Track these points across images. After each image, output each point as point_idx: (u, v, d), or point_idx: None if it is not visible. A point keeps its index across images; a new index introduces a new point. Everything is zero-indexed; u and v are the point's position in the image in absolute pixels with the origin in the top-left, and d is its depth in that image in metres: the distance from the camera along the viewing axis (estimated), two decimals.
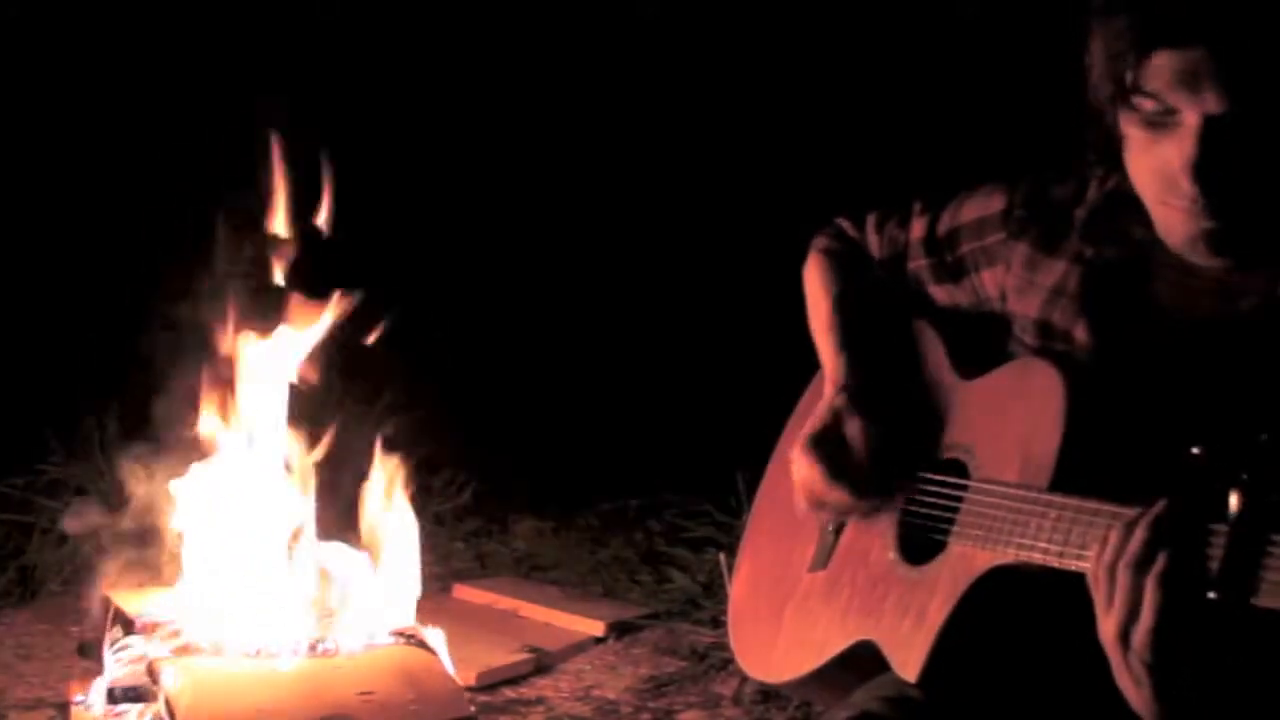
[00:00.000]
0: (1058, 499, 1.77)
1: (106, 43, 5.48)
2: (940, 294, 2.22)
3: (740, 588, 2.38)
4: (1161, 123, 1.76)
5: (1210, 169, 1.73)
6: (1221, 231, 1.79)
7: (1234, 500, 1.56)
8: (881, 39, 5.57)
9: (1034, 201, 2.08)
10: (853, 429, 2.13)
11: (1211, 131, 1.72)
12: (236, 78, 5.29)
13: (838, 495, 2.12)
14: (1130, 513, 1.66)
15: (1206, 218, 1.78)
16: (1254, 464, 1.58)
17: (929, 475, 2.04)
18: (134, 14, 5.47)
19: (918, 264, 2.23)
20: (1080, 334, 1.97)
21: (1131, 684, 1.64)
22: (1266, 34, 1.69)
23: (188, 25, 5.49)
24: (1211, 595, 1.56)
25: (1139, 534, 1.62)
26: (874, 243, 2.30)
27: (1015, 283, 2.08)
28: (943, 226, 2.20)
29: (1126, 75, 1.76)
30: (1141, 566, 1.61)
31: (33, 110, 5.41)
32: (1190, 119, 1.73)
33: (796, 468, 2.17)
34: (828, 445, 2.14)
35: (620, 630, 3.99)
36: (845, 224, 2.35)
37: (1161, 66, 1.73)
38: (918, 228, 2.23)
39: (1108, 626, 1.64)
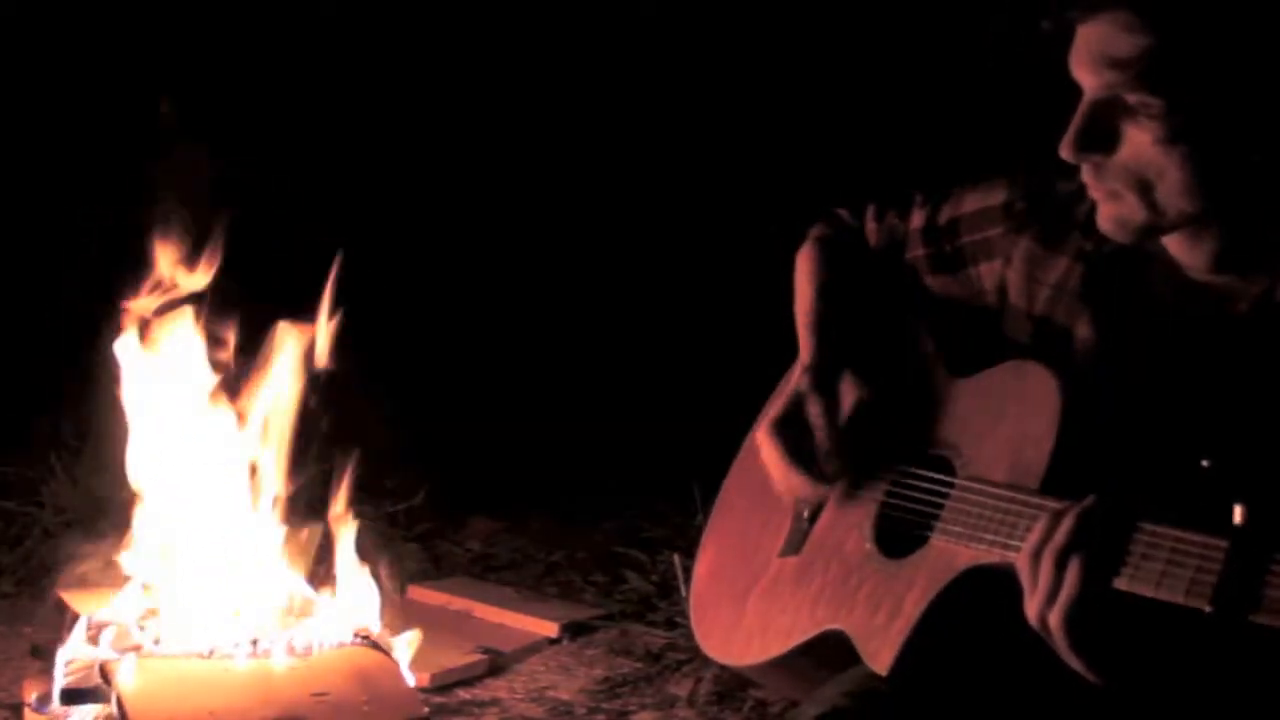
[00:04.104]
0: (1049, 502, 1.77)
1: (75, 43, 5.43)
2: (936, 285, 2.23)
3: (704, 567, 2.37)
4: None
5: (1085, 143, 1.76)
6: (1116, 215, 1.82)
7: (1238, 513, 1.57)
8: (881, 36, 5.55)
9: (1037, 196, 2.09)
10: (814, 412, 2.12)
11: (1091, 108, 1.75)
12: (227, 77, 5.25)
13: (796, 480, 2.12)
14: (1059, 505, 1.72)
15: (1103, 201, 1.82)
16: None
17: (912, 469, 2.05)
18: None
19: (915, 254, 2.24)
20: (1082, 330, 1.98)
21: (1071, 658, 1.69)
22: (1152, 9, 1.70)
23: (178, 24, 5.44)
24: (1208, 609, 1.56)
25: (1065, 524, 1.67)
26: (872, 232, 2.30)
27: (1016, 278, 2.08)
28: (943, 217, 2.20)
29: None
30: (1062, 556, 1.66)
31: None
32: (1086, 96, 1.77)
33: (762, 451, 2.17)
34: (790, 429, 2.13)
35: (574, 631, 3.98)
36: (843, 214, 2.36)
37: (1077, 45, 1.76)
38: (918, 218, 2.24)
39: (1029, 609, 1.70)
